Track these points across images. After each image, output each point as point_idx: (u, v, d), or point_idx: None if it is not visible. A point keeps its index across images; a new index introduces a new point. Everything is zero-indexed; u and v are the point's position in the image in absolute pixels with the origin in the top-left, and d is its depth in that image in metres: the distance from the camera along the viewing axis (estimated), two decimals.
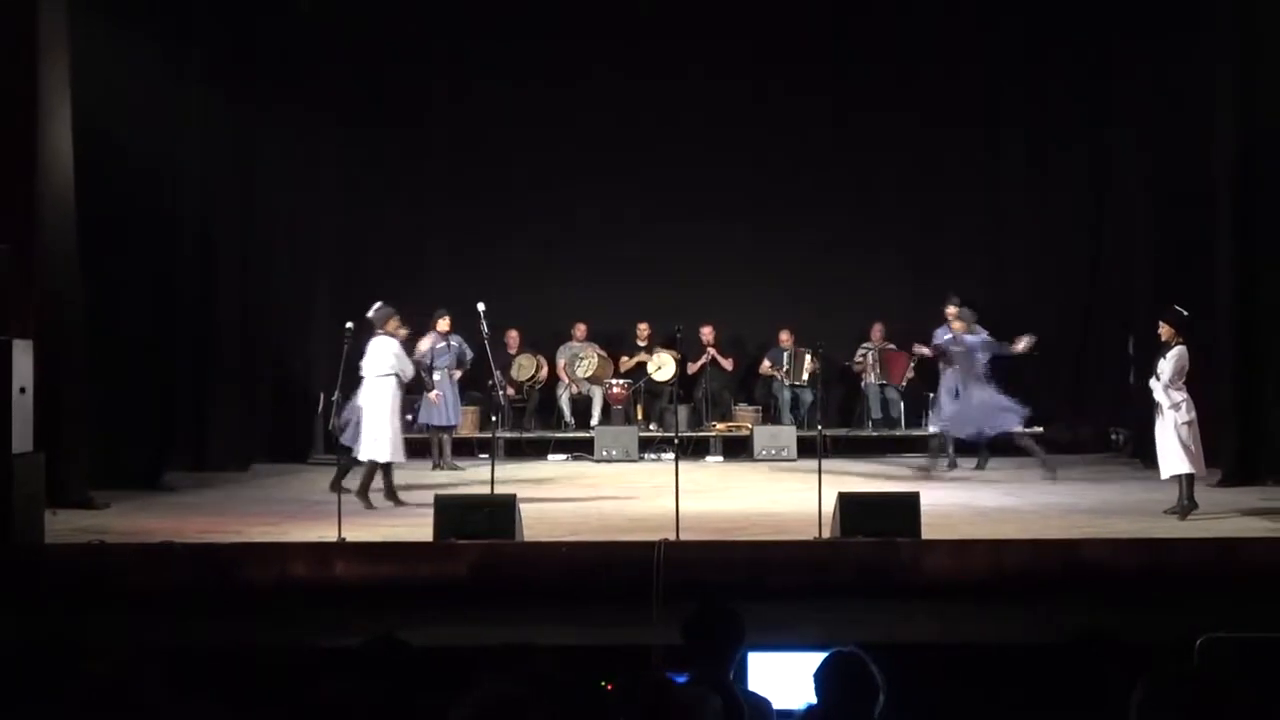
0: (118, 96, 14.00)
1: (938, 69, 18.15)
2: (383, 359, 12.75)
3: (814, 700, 4.92)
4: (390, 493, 12.84)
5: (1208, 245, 14.80)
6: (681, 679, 5.58)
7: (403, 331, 13.14)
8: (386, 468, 12.80)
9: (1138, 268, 16.40)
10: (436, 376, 16.01)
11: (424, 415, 16.35)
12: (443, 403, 16.01)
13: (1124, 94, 16.72)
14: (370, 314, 12.92)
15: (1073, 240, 17.91)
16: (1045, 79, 17.76)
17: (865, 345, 18.10)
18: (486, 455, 15.05)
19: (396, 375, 12.81)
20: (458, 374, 16.32)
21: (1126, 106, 16.67)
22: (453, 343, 16.17)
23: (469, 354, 16.22)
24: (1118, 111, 16.95)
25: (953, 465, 15.61)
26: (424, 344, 15.80)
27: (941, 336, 15.84)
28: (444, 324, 16.06)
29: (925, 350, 16.03)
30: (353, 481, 12.51)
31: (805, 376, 17.49)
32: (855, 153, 18.28)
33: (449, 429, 16.29)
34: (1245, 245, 14.27)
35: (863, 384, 18.09)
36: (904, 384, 18.01)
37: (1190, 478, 11.77)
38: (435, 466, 16.05)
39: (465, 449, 17.18)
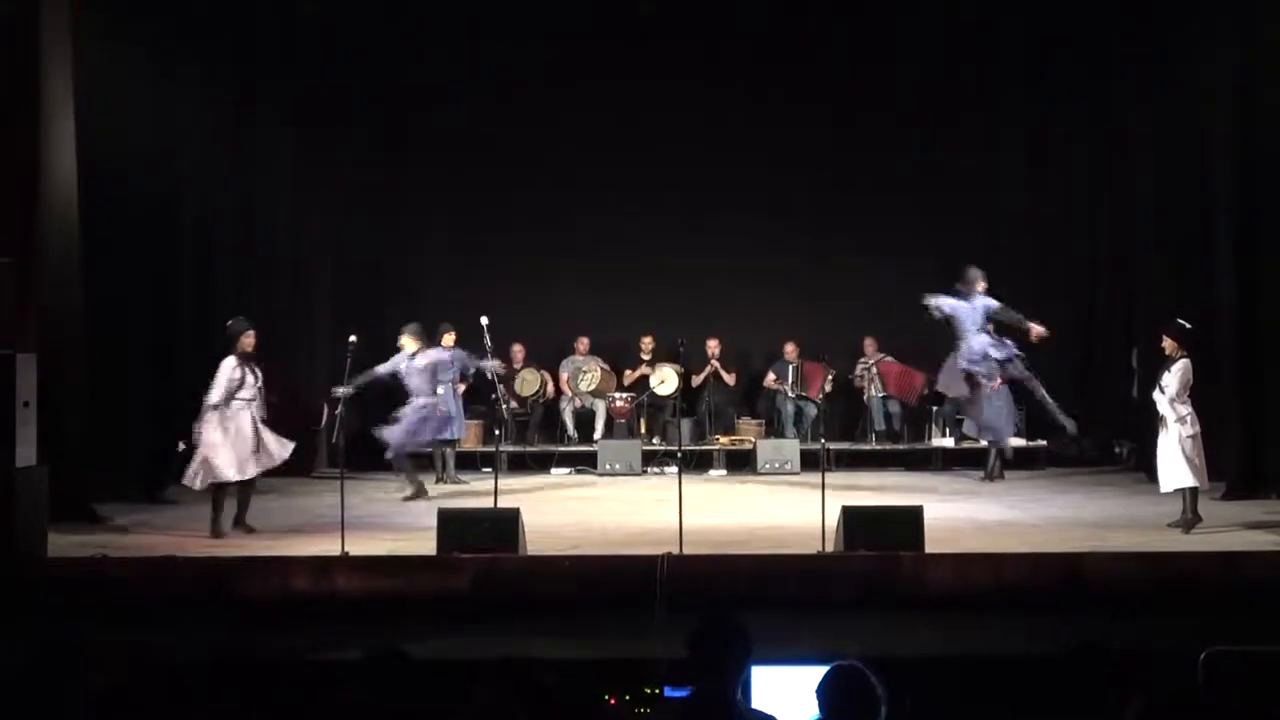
0: (120, 108, 14.00)
1: (937, 77, 18.14)
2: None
3: (818, 714, 4.90)
4: (216, 521, 12.11)
5: (1210, 258, 14.78)
6: (683, 694, 5.56)
7: (249, 343, 12.40)
8: (216, 497, 12.19)
9: (1139, 281, 16.39)
10: (440, 390, 15.99)
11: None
12: (446, 416, 16.00)
13: (1123, 104, 16.70)
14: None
15: (1074, 253, 17.90)
16: (1045, 88, 17.71)
17: (863, 359, 18.07)
18: (490, 469, 15.05)
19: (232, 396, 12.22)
20: (461, 388, 16.30)
21: (1125, 118, 16.65)
22: (456, 357, 16.17)
23: (472, 368, 16.22)
24: (1117, 124, 16.94)
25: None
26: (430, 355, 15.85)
27: None
28: (449, 338, 16.05)
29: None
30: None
31: (819, 395, 17.25)
32: (858, 167, 18.24)
33: (452, 443, 16.27)
34: (1248, 257, 14.25)
35: (865, 397, 18.06)
36: (916, 402, 17.96)
37: (1194, 491, 11.76)
38: (439, 480, 16.04)
39: (469, 462, 17.15)
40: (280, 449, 12.46)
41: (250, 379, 12.21)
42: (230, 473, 12.08)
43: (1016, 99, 18.04)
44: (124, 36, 14.13)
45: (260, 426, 12.32)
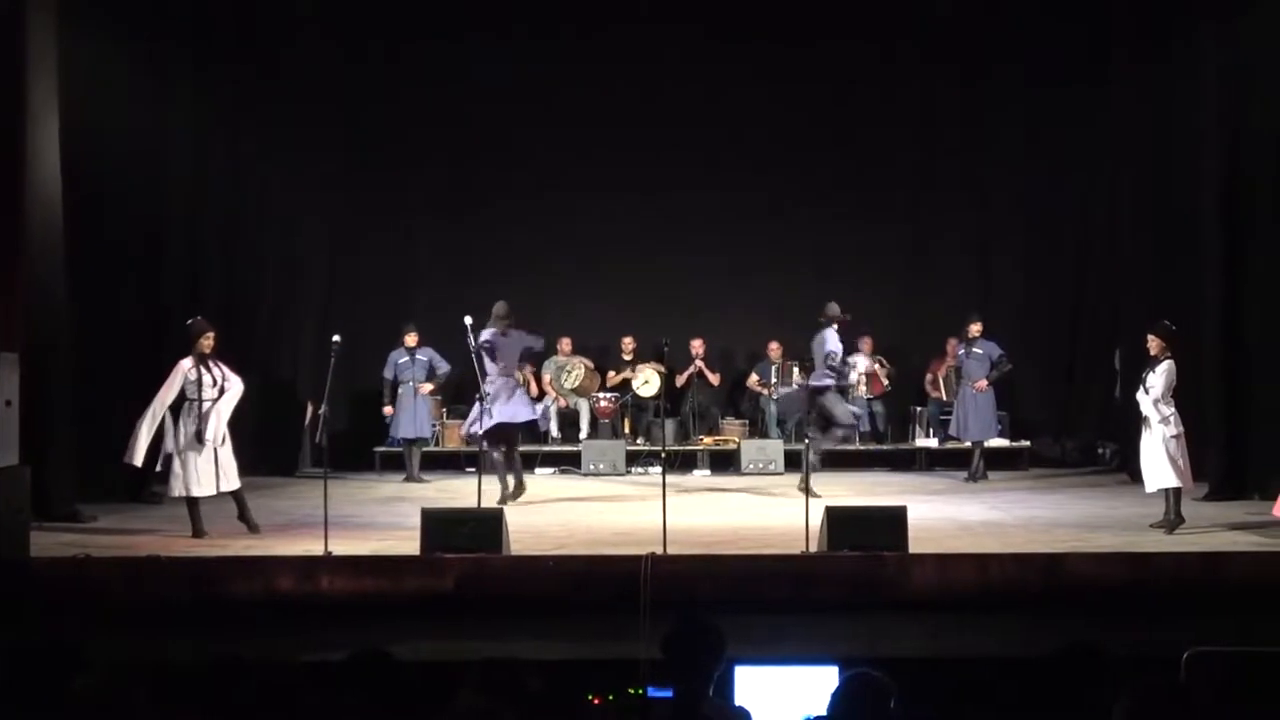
0: (105, 108, 13.99)
1: (930, 86, 18.21)
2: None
3: (812, 714, 4.92)
4: (196, 521, 11.83)
5: (1195, 259, 14.81)
6: (665, 694, 5.59)
7: (207, 344, 11.99)
8: (191, 502, 11.86)
9: (1124, 282, 16.43)
10: (400, 390, 16.09)
11: (393, 429, 16.44)
12: (410, 416, 16.07)
13: (1112, 108, 16.74)
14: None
15: (1060, 255, 17.94)
16: (1034, 92, 17.77)
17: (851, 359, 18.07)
18: (473, 469, 15.04)
19: (186, 400, 11.92)
20: (428, 387, 16.36)
21: (1114, 121, 16.69)
22: (420, 356, 16.20)
23: (443, 366, 16.23)
24: (1105, 127, 16.98)
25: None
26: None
27: (959, 352, 16.12)
28: (411, 338, 16.12)
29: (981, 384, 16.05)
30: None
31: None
32: (846, 166, 18.29)
33: (415, 442, 16.34)
34: (1233, 259, 14.28)
35: (849, 397, 18.05)
36: (880, 394, 18.11)
37: (1178, 492, 11.77)
38: (407, 479, 16.11)
39: (452, 462, 17.21)
40: (226, 481, 11.95)
41: (209, 380, 11.87)
42: (176, 488, 11.84)
43: (1007, 102, 18.09)
44: (110, 36, 14.13)
45: (220, 446, 11.90)
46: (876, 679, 4.92)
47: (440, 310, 16.74)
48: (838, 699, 4.89)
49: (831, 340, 14.83)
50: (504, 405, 13.65)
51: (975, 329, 15.96)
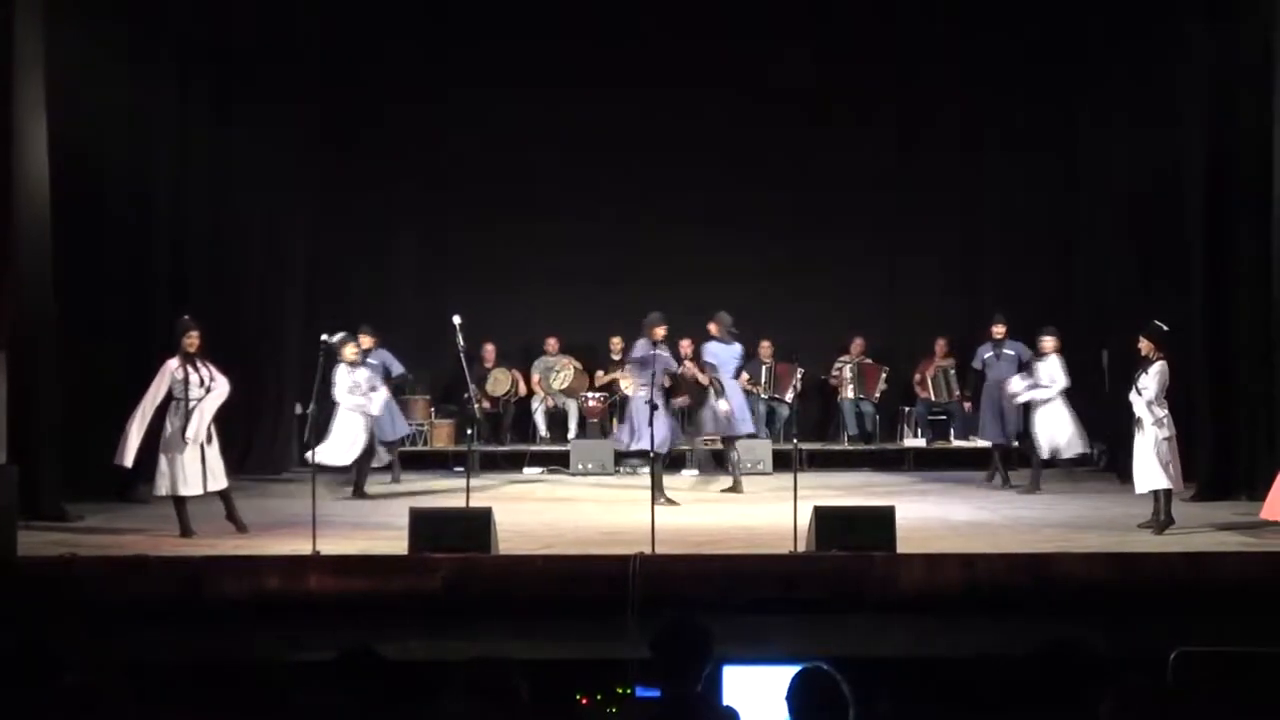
0: (93, 111, 13.97)
1: (916, 85, 18.22)
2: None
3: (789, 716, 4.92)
4: (183, 520, 11.80)
5: (1183, 261, 14.83)
6: (654, 694, 5.59)
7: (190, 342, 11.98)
8: (179, 502, 11.86)
9: (1112, 283, 16.44)
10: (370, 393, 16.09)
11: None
12: (386, 417, 16.05)
13: (1099, 107, 16.75)
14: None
15: (1048, 255, 17.95)
16: (1021, 93, 17.81)
17: (843, 359, 18.11)
18: (462, 468, 15.04)
19: (174, 399, 11.88)
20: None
21: (1101, 120, 16.71)
22: (372, 360, 15.92)
23: (396, 369, 15.85)
24: (1092, 126, 16.99)
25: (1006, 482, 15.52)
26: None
27: (984, 354, 16.00)
28: (366, 340, 15.80)
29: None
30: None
31: (790, 395, 17.22)
32: (834, 166, 18.28)
33: (388, 444, 16.26)
34: (1220, 261, 14.29)
35: (839, 398, 18.09)
36: (877, 395, 18.10)
37: (1168, 493, 11.78)
38: (393, 479, 16.08)
39: (440, 462, 17.19)
40: (214, 481, 11.97)
41: (195, 379, 11.86)
42: (163, 487, 11.84)
43: (993, 101, 18.12)
44: (98, 37, 14.09)
45: (208, 445, 11.91)
46: (817, 672, 4.92)
47: (433, 310, 16.67)
48: (791, 699, 4.89)
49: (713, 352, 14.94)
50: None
51: (999, 330, 15.80)
